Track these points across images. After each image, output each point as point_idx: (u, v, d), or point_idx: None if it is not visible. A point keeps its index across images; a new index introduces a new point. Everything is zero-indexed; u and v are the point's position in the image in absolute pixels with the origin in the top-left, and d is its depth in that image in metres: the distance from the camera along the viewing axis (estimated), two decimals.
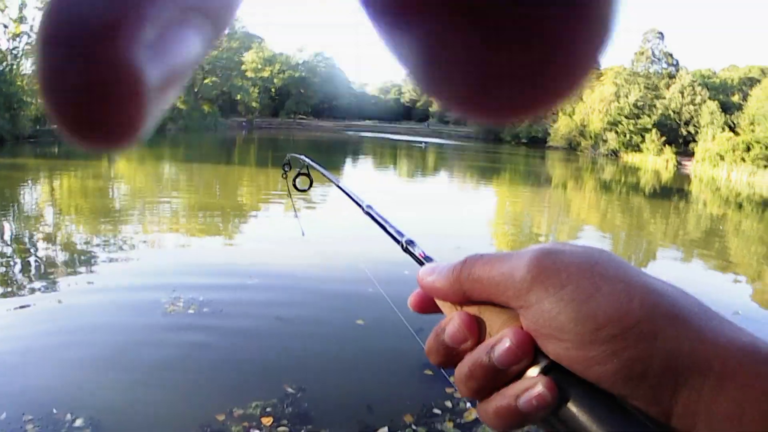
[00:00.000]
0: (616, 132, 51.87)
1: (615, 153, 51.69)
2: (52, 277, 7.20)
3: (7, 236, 9.47)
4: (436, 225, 13.31)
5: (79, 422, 3.96)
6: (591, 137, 53.66)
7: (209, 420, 4.08)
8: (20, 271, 7.55)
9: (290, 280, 7.77)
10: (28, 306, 6.20)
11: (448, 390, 4.65)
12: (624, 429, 0.35)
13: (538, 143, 58.59)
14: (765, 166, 34.74)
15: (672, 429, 0.35)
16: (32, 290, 6.72)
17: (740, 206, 24.36)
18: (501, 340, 0.41)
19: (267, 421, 4.11)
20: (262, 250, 9.54)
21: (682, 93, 51.37)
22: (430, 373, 4.95)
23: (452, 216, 15.74)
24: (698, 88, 51.28)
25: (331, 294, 7.12)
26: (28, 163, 18.63)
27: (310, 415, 4.27)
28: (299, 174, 1.43)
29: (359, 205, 0.88)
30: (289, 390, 4.59)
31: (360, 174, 26.57)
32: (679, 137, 50.06)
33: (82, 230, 10.16)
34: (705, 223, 18.36)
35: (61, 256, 8.38)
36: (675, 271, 10.93)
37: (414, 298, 0.53)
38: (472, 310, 0.45)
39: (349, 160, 33.70)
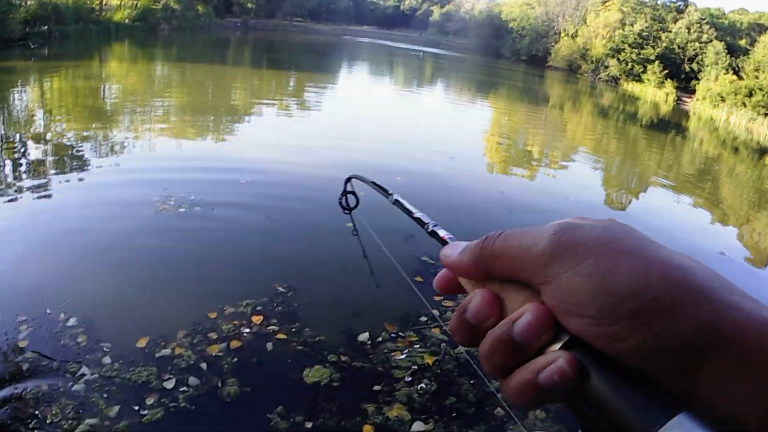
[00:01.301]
0: (618, 59, 50.92)
1: (615, 80, 50.99)
2: (42, 176, 7.13)
3: None
4: (431, 136, 13.24)
5: (72, 321, 4.00)
6: (592, 61, 52.72)
7: (201, 318, 4.15)
8: (11, 171, 7.45)
9: (282, 183, 7.82)
10: (19, 205, 6.17)
11: (437, 298, 4.74)
12: (645, 404, 0.34)
13: (537, 62, 57.40)
14: (765, 114, 34.29)
15: (692, 405, 0.34)
16: (21, 189, 6.70)
17: (736, 150, 24.35)
18: (522, 316, 0.40)
19: (257, 319, 4.20)
20: (255, 152, 9.51)
21: (688, 29, 50.17)
22: (420, 279, 5.02)
23: (447, 127, 15.64)
24: (705, 27, 50.01)
25: (323, 198, 7.06)
26: (17, 66, 17.92)
27: (298, 315, 4.34)
28: (345, 193, 1.51)
29: (386, 196, 0.93)
30: (280, 289, 4.66)
31: (357, 81, 26.08)
32: (681, 73, 49.22)
33: (73, 130, 9.96)
34: (699, 162, 18.38)
35: (51, 156, 8.28)
36: (664, 204, 10.99)
37: (439, 279, 0.51)
38: (494, 287, 0.45)
39: (345, 66, 32.97)
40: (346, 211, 1.55)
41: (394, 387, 3.71)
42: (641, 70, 49.74)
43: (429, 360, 4.06)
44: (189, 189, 6.67)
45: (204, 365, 3.66)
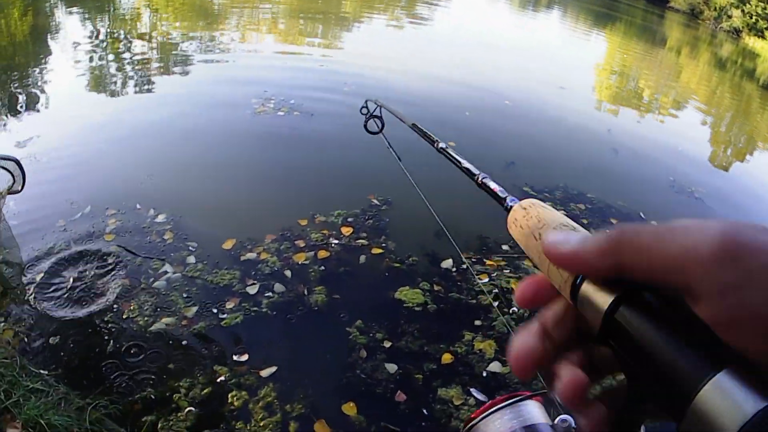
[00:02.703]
0: (743, 11, 47.46)
1: (737, 32, 47.48)
2: (145, 72, 7.16)
3: (102, 35, 9.20)
4: (541, 65, 12.71)
5: (161, 218, 3.98)
6: (716, 9, 49.36)
7: (291, 224, 4.02)
8: (116, 69, 7.41)
9: (388, 91, 7.44)
10: (120, 100, 6.20)
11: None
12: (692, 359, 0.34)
13: (659, 1, 54.22)
14: None
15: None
16: (125, 83, 6.76)
17: None
18: None
19: (347, 231, 4.04)
20: (360, 61, 9.18)
21: None
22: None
23: (559, 57, 15.00)
24: None
25: (425, 111, 6.77)
26: None
27: (389, 232, 4.15)
28: (370, 116, 1.48)
29: (432, 144, 1.03)
30: (375, 202, 4.49)
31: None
32: None
33: (178, 30, 10.00)
34: None
35: (155, 53, 8.29)
36: None
37: (529, 286, 0.47)
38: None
39: None
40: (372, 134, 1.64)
41: (484, 320, 3.51)
42: (766, 26, 46.33)
43: (514, 285, 3.84)
44: (290, 93, 6.51)
45: (288, 273, 3.53)
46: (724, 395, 0.31)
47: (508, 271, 3.98)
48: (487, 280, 3.81)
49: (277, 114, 5.90)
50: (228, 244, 3.68)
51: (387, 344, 3.13)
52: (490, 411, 0.67)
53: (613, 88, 12.55)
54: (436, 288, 3.64)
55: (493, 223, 4.45)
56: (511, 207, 0.57)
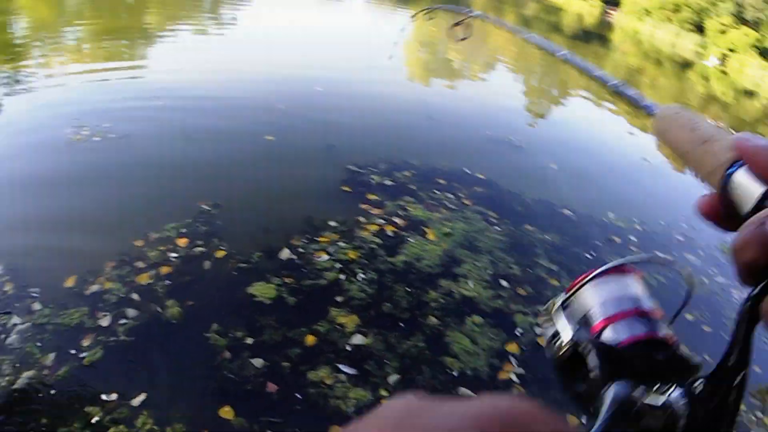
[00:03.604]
0: None
1: None
2: None
3: None
4: (350, 49, 13.73)
5: None
6: None
7: (127, 247, 4.02)
8: None
9: (197, 100, 7.44)
10: None
11: (363, 206, 4.93)
12: None
13: None
14: (690, 30, 34.60)
15: None
16: None
17: (659, 63, 24.70)
18: None
19: (183, 242, 4.11)
20: (172, 74, 8.95)
21: None
22: (347, 189, 5.19)
23: (368, 38, 16.40)
24: None
25: (238, 112, 6.96)
26: None
27: (224, 233, 4.29)
28: (458, 23, 1.46)
29: (553, 54, 0.96)
30: (204, 207, 4.59)
31: None
32: None
33: None
34: (621, 72, 18.63)
35: None
36: (585, 112, 11.15)
37: (706, 202, 0.49)
38: None
39: None
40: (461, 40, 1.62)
41: (339, 294, 3.80)
42: None
43: (353, 255, 4.21)
44: (102, 117, 6.27)
45: (136, 295, 3.57)
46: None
47: (342, 243, 4.31)
48: (327, 257, 4.07)
49: (93, 140, 5.71)
50: (70, 282, 3.63)
51: (249, 341, 3.30)
52: (592, 276, 0.61)
53: (422, 61, 13.11)
54: (287, 280, 3.83)
55: (315, 203, 4.93)
56: (655, 113, 0.64)
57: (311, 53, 11.37)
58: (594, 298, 0.59)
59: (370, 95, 8.69)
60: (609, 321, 0.56)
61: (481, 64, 14.10)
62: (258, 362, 3.17)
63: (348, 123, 7.12)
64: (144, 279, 3.69)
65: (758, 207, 0.43)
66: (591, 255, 5.05)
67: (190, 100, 7.34)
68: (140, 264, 3.83)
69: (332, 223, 4.59)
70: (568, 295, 0.61)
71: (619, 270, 0.60)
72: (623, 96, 0.66)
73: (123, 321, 3.35)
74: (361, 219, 4.75)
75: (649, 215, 6.35)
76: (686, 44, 32.90)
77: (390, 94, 9.08)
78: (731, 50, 29.72)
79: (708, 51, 30.63)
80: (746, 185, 0.45)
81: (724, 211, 0.48)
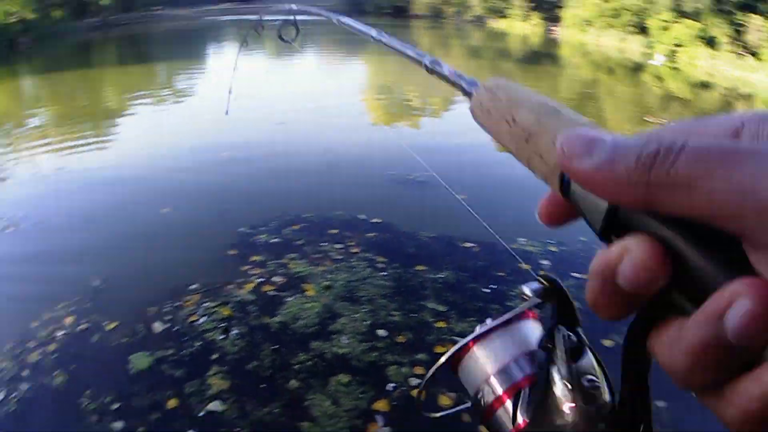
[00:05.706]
0: None
1: (481, 19, 51.66)
2: None
3: None
4: (307, 101, 13.10)
5: None
6: (455, 3, 53.17)
7: (24, 330, 4.33)
8: None
9: (92, 176, 7.93)
10: None
11: (243, 268, 5.13)
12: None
13: (401, 13, 57.10)
14: (634, 32, 35.44)
15: None
16: None
17: (611, 70, 25.22)
18: (735, 303, 0.27)
19: (69, 320, 4.41)
20: (130, 154, 9.32)
21: None
22: (233, 252, 5.42)
23: (322, 89, 15.37)
24: None
25: (136, 188, 7.37)
26: None
27: (112, 307, 4.58)
28: (284, 23, 1.39)
29: (368, 35, 0.87)
30: (95, 283, 4.92)
31: (225, 61, 25.00)
32: (544, 3, 50.07)
33: None
34: (577, 87, 19.20)
35: None
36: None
37: (546, 205, 0.42)
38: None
39: (210, 46, 31.59)
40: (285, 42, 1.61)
41: (210, 355, 4.01)
42: (505, 5, 50.54)
43: (226, 312, 4.44)
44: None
45: (26, 372, 3.87)
46: None
47: (217, 307, 4.54)
48: (203, 319, 4.35)
49: None
50: None
51: (115, 406, 3.56)
52: (479, 333, 0.55)
53: (380, 106, 13.59)
54: (164, 350, 4.08)
55: (198, 270, 5.16)
56: (472, 93, 0.52)
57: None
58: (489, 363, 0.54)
59: (267, 154, 8.95)
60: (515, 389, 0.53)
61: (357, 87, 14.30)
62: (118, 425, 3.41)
63: (244, 185, 7.45)
64: (34, 357, 4.01)
65: (608, 226, 0.36)
66: (489, 288, 4.84)
67: (143, 182, 7.65)
68: (31, 344, 4.15)
69: (193, 286, 4.82)
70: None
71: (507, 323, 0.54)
72: (440, 76, 0.57)
73: (14, 395, 3.64)
74: (240, 281, 4.92)
75: (567, 233, 5.64)
76: (633, 47, 33.56)
77: (281, 148, 9.33)
78: (678, 45, 30.29)
79: (653, 50, 31.22)
80: (589, 198, 0.37)
81: (570, 211, 0.41)
